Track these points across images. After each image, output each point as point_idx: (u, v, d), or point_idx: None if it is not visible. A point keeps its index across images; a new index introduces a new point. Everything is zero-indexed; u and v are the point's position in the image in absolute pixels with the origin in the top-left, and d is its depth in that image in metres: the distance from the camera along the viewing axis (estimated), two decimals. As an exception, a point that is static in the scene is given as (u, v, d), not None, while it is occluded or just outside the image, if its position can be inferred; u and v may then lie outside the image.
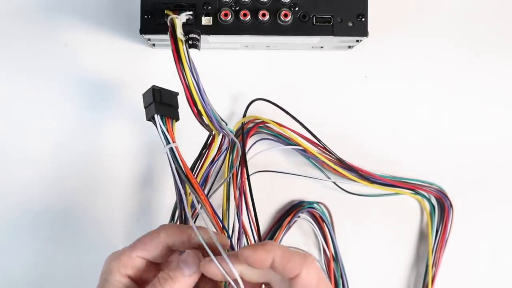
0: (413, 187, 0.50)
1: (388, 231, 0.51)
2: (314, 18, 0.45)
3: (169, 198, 0.49)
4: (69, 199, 0.49)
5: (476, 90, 0.52)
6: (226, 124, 0.42)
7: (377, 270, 0.50)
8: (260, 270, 0.33)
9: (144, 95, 0.40)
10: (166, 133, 0.37)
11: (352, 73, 0.51)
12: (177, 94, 0.40)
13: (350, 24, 0.45)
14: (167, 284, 0.33)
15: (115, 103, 0.50)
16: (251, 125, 0.49)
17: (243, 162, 0.47)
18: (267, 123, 0.49)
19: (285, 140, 0.49)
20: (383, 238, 0.51)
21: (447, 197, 0.50)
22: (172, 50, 0.37)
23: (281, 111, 0.48)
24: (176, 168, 0.36)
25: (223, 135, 0.43)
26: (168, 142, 0.37)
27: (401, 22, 0.52)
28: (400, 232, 0.51)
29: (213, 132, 0.42)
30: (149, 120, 0.39)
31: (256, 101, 0.49)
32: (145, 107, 0.40)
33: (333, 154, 0.49)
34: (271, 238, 0.49)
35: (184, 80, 0.36)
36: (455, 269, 0.51)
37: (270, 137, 0.50)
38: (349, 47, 0.50)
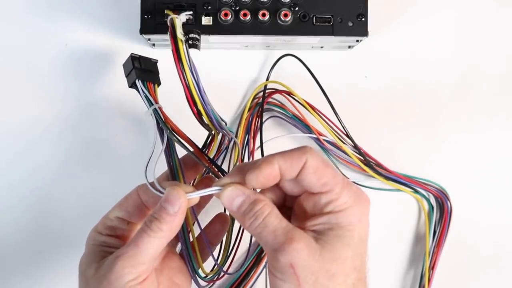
0: (417, 184, 0.50)
1: (384, 231, 0.50)
2: (314, 18, 0.45)
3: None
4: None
5: (476, 90, 0.52)
6: (226, 124, 0.42)
7: (372, 271, 0.50)
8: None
9: (124, 64, 0.40)
10: (149, 96, 0.38)
11: (352, 73, 0.51)
12: (156, 61, 0.41)
13: (350, 24, 0.45)
14: (154, 225, 0.33)
15: (115, 103, 0.50)
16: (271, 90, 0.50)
17: (260, 125, 0.48)
18: (291, 94, 0.48)
19: (300, 123, 0.49)
20: (379, 238, 0.50)
21: (447, 198, 0.50)
22: (172, 50, 0.37)
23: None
24: (162, 126, 0.37)
25: (222, 135, 0.43)
26: (151, 104, 0.38)
27: (401, 22, 0.52)
28: (397, 233, 0.51)
29: (213, 132, 0.42)
30: (131, 87, 0.40)
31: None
32: (126, 76, 0.40)
33: (352, 141, 0.48)
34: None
35: (184, 80, 0.36)
36: (452, 272, 0.50)
37: (284, 118, 0.50)
38: (349, 47, 0.50)
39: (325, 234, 0.31)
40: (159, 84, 0.40)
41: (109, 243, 0.36)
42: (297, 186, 0.33)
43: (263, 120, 0.49)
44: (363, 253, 0.33)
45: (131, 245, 0.33)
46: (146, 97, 0.38)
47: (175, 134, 0.37)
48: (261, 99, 0.49)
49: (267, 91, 0.49)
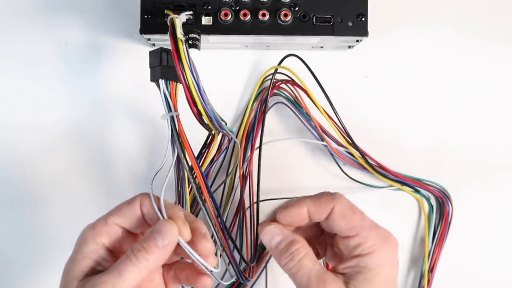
0: (418, 184, 0.50)
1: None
2: (314, 18, 0.45)
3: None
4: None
5: (477, 90, 0.52)
6: (226, 124, 0.42)
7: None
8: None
9: (151, 53, 0.38)
10: (169, 100, 0.37)
11: (352, 73, 0.51)
12: None
13: (350, 24, 0.45)
14: (140, 255, 0.32)
15: (115, 103, 0.50)
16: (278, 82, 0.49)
17: (261, 120, 0.48)
18: (298, 86, 0.48)
19: (306, 116, 0.49)
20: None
21: (448, 198, 0.50)
22: (172, 50, 0.37)
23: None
24: (175, 136, 0.37)
25: (222, 135, 0.43)
26: (170, 110, 0.37)
27: (401, 22, 0.52)
28: (397, 232, 0.50)
29: (213, 132, 0.42)
30: (153, 81, 0.38)
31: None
32: (151, 67, 0.38)
33: (352, 141, 0.48)
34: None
35: (184, 80, 0.36)
36: (452, 274, 0.50)
37: (289, 105, 0.50)
38: (349, 47, 0.50)
39: (354, 278, 0.34)
40: (181, 82, 0.39)
41: (99, 254, 0.34)
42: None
43: (268, 108, 0.49)
44: None
45: (114, 272, 0.32)
46: (166, 99, 0.37)
47: (183, 148, 0.37)
48: (264, 96, 0.48)
49: (274, 81, 0.49)
